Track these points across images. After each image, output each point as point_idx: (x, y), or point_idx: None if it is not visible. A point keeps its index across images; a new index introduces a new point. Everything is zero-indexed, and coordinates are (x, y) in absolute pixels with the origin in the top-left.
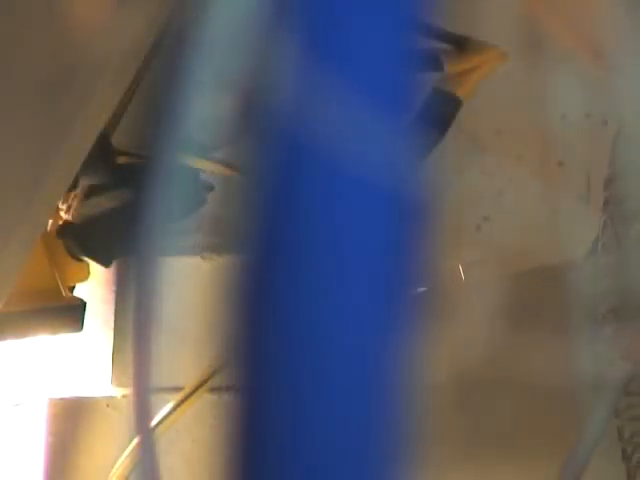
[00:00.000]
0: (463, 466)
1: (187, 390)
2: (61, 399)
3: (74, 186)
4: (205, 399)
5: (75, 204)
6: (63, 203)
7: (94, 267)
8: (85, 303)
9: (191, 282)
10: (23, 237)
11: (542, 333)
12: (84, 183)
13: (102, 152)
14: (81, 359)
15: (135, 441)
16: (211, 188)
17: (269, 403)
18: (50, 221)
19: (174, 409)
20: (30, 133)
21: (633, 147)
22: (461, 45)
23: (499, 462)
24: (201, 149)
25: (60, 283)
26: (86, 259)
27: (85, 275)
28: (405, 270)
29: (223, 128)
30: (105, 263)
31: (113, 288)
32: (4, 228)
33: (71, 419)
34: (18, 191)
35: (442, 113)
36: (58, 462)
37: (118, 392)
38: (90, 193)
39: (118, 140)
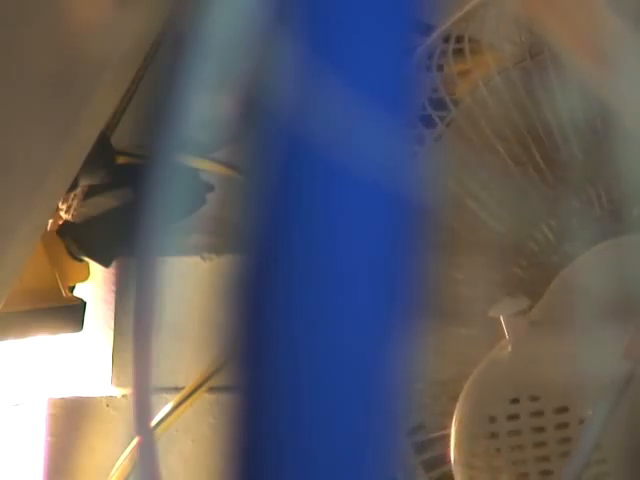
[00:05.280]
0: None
1: (187, 390)
2: (61, 399)
3: (74, 186)
4: (205, 399)
5: (75, 204)
6: (63, 203)
7: (94, 267)
8: (85, 303)
9: (191, 282)
10: (24, 237)
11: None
12: (84, 183)
13: (102, 152)
14: (81, 359)
15: (135, 441)
16: (211, 188)
17: (269, 403)
18: (50, 221)
19: (174, 409)
20: (31, 133)
21: (633, 148)
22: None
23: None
24: (201, 149)
25: (60, 283)
26: (86, 259)
27: (85, 275)
28: (405, 269)
29: (223, 128)
30: (105, 263)
31: (113, 288)
32: (5, 228)
33: (71, 419)
34: (19, 191)
35: None
36: (58, 462)
37: (118, 392)
38: (90, 193)
39: (118, 140)
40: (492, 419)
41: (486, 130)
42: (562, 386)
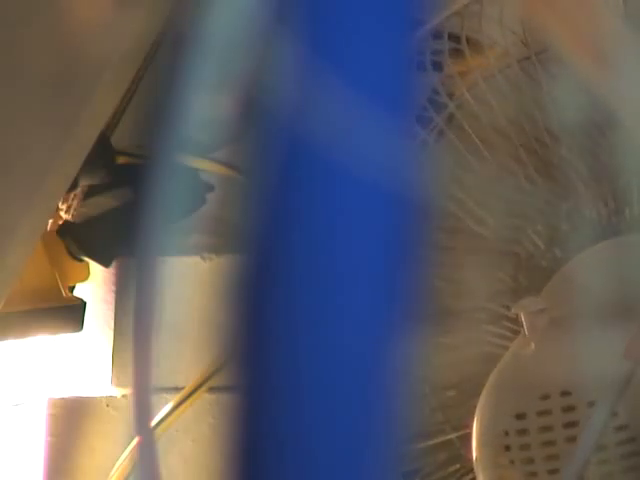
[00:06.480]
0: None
1: (187, 390)
2: (61, 399)
3: (74, 186)
4: (204, 399)
5: (75, 204)
6: (63, 203)
7: (94, 267)
8: (85, 303)
9: (191, 282)
10: (24, 237)
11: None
12: (84, 183)
13: (102, 152)
14: (81, 359)
15: (135, 441)
16: (211, 188)
17: (269, 403)
18: (50, 221)
19: (174, 409)
20: (31, 133)
21: (633, 147)
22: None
23: None
24: (201, 149)
25: (60, 283)
26: (86, 259)
27: (85, 275)
28: (405, 269)
29: (223, 128)
30: (105, 263)
31: (113, 288)
32: (5, 228)
33: (71, 419)
34: (19, 191)
35: None
36: (58, 462)
37: (118, 392)
38: (90, 193)
39: (118, 140)
40: (521, 416)
41: (472, 135)
42: (594, 380)
